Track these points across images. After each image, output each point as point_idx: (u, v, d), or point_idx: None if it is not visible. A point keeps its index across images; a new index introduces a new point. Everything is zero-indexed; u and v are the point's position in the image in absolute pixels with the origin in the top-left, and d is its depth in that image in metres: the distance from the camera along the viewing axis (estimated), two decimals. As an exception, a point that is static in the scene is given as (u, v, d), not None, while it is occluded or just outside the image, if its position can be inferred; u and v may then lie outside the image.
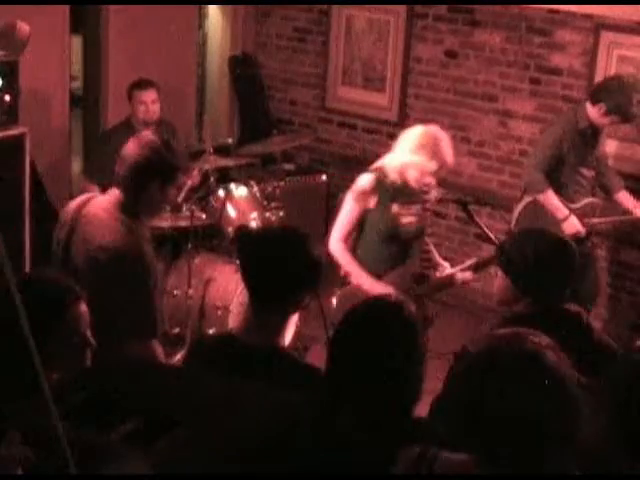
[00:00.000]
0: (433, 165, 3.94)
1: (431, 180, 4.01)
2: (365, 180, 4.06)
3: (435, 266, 4.33)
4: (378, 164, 4.13)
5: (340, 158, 6.94)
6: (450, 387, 1.80)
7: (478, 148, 6.39)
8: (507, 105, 6.21)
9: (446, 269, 4.30)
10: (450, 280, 4.24)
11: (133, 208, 3.30)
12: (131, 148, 3.33)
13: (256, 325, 2.60)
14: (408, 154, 3.98)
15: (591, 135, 5.22)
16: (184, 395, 2.30)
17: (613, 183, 5.45)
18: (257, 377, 2.41)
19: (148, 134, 3.47)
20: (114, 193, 3.34)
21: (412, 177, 3.99)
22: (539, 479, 1.63)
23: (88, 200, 3.42)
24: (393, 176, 4.02)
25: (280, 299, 2.60)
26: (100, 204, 3.36)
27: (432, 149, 3.94)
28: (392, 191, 4.04)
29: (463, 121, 6.41)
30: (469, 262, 4.30)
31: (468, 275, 4.25)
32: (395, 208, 4.07)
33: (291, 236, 2.67)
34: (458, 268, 4.26)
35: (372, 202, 4.04)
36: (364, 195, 4.04)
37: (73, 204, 3.45)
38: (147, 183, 3.28)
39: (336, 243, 4.12)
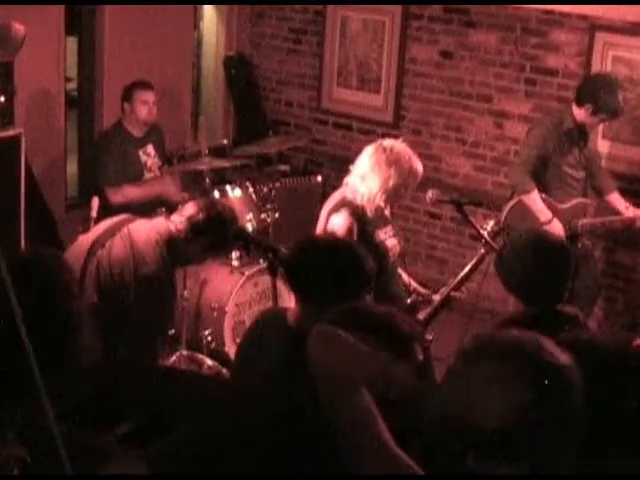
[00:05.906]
0: (399, 179, 3.86)
1: (402, 195, 3.96)
2: (342, 220, 3.90)
3: (423, 295, 4.23)
4: (340, 198, 4.00)
5: (335, 159, 6.93)
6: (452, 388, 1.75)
7: (473, 149, 6.39)
8: (502, 106, 6.22)
9: (432, 295, 4.22)
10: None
11: (177, 245, 3.65)
12: (209, 202, 3.78)
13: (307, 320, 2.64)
14: (368, 177, 3.89)
15: (578, 136, 5.22)
16: (182, 395, 2.30)
17: (605, 185, 5.44)
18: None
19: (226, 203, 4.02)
20: (161, 222, 3.70)
21: (383, 200, 3.91)
22: (537, 479, 1.62)
23: (126, 220, 3.74)
24: (363, 205, 3.92)
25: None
26: (146, 228, 3.69)
27: (391, 164, 3.85)
28: (369, 220, 3.94)
29: (458, 122, 6.41)
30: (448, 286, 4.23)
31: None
32: (378, 235, 3.99)
33: (353, 251, 2.87)
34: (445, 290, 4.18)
35: (357, 237, 3.89)
36: (350, 234, 3.87)
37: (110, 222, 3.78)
38: (196, 237, 3.63)
39: None
